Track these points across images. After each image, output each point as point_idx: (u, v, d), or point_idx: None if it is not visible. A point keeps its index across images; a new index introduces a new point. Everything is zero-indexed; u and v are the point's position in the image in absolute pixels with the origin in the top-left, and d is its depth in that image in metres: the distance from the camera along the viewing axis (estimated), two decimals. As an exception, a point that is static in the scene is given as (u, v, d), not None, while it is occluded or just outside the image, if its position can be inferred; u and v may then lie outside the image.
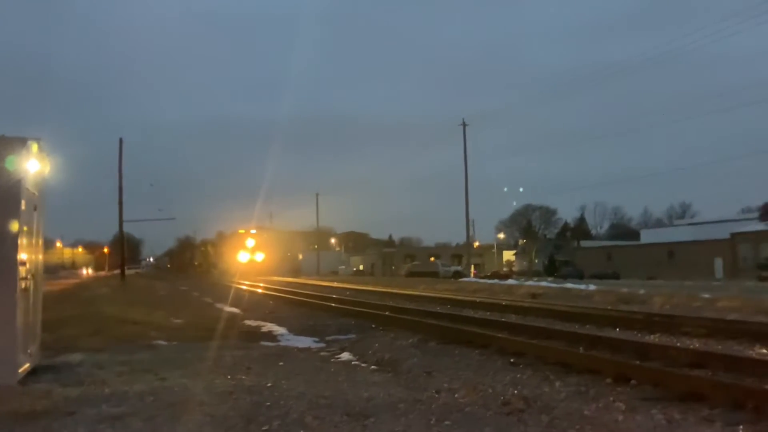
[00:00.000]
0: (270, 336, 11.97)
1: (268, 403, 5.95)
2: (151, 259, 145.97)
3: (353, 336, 11.57)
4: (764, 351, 8.73)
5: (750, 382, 6.32)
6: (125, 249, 51.31)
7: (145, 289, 32.87)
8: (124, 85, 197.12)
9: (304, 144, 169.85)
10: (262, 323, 14.11)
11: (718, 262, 62.08)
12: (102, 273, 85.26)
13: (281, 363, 8.51)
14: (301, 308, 17.97)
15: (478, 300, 19.41)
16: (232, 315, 16.72)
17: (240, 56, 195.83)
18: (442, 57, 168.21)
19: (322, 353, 9.69)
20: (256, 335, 12.03)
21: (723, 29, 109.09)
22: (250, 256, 64.67)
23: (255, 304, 20.19)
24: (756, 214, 65.19)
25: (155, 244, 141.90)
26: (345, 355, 9.45)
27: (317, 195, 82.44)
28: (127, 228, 48.35)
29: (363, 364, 8.61)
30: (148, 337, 11.27)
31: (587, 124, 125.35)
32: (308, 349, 10.19)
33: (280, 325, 13.72)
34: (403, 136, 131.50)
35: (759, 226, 61.37)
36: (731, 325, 11.41)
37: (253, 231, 67.05)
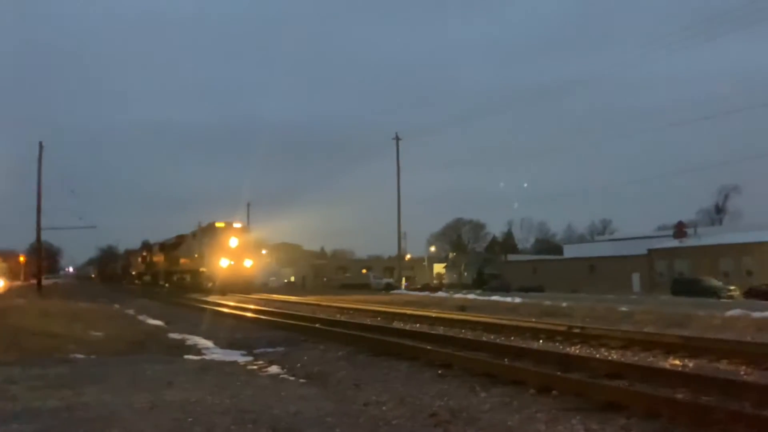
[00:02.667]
0: (195, 349, 11.63)
1: (191, 419, 5.78)
2: (71, 269, 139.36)
3: (282, 349, 11.41)
4: (677, 362, 9.17)
5: (664, 392, 6.62)
6: (43, 257, 48.73)
7: (64, 301, 31.35)
8: (45, 88, 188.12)
9: (236, 152, 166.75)
10: (188, 336, 13.71)
11: (636, 277, 64.99)
12: (17, 283, 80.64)
13: (206, 377, 8.29)
14: (229, 320, 17.57)
15: (408, 312, 19.53)
16: (156, 328, 16.18)
17: (172, 60, 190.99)
18: (378, 71, 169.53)
19: (250, 367, 9.50)
20: (180, 349, 11.67)
21: (644, 54, 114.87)
22: (233, 262, 39.35)
23: (181, 318, 19.60)
24: (671, 232, 68.69)
25: (76, 253, 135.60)
26: (273, 369, 9.29)
27: (248, 204, 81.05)
28: (45, 236, 45.93)
29: (291, 378, 8.49)
30: (65, 350, 10.75)
31: (516, 142, 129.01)
32: (235, 362, 9.97)
33: (206, 338, 13.37)
34: (338, 147, 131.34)
35: (673, 243, 64.72)
36: (647, 336, 11.94)
37: (237, 225, 42.15)
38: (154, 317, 19.73)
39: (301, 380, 8.29)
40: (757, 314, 18.68)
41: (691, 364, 8.95)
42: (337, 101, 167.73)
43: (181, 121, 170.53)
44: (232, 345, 12.20)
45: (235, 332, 14.28)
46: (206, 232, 40.54)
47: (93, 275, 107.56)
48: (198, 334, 13.98)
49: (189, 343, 12.67)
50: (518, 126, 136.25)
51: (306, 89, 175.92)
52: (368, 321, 16.87)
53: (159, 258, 53.49)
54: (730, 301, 35.47)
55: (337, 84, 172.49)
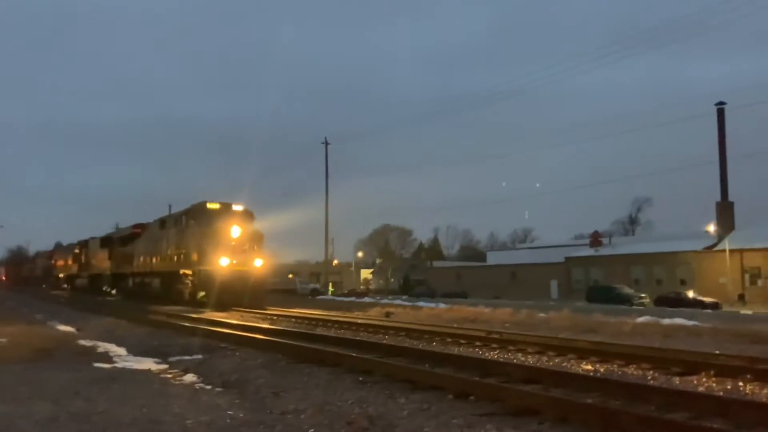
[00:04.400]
0: (106, 357, 11.10)
1: (95, 431, 5.48)
2: None
3: (199, 356, 11.05)
4: (589, 367, 9.50)
5: (576, 396, 6.82)
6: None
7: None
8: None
9: (159, 152, 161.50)
10: (99, 343, 13.09)
11: (554, 284, 67.32)
12: None
13: (115, 386, 7.90)
14: (145, 327, 16.91)
15: (333, 318, 19.42)
16: (65, 334, 15.36)
17: (86, 57, 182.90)
18: (308, 73, 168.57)
19: (164, 375, 9.14)
20: (90, 356, 11.11)
21: (569, 68, 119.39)
22: (236, 262, 25.60)
23: (93, 324, 18.69)
24: (587, 241, 71.58)
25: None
26: (189, 377, 8.98)
27: (170, 207, 78.52)
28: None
29: (207, 386, 8.23)
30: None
31: (444, 149, 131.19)
32: (148, 371, 9.57)
33: (119, 345, 12.80)
34: (265, 150, 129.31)
35: (589, 252, 67.48)
36: (562, 342, 12.32)
37: (238, 207, 27.35)
38: (65, 323, 18.60)
39: (218, 389, 8.05)
40: (665, 321, 19.69)
41: (602, 369, 9.28)
42: (265, 103, 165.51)
43: (93, 119, 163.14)
44: (145, 352, 11.72)
45: (149, 339, 13.74)
46: (192, 218, 26.66)
47: (4, 277, 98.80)
48: (110, 341, 13.37)
49: (100, 350, 12.09)
50: (447, 134, 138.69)
51: (233, 90, 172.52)
52: (291, 327, 16.63)
53: (101, 256, 40.47)
54: (641, 308, 37.29)
55: (264, 86, 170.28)
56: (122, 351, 11.93)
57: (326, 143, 52.04)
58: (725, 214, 59.23)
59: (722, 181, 59.92)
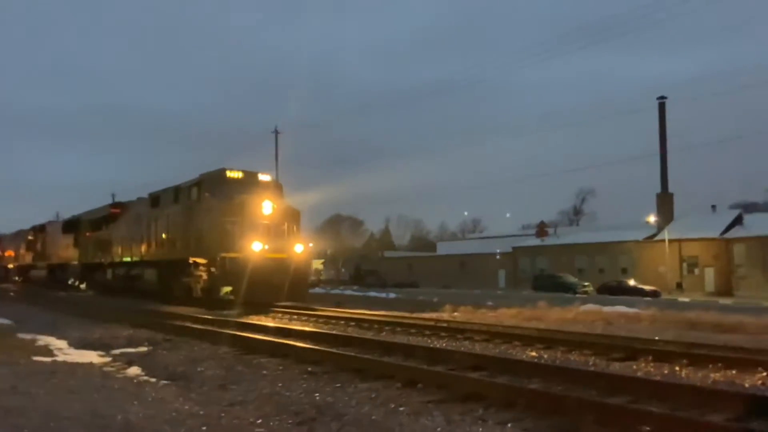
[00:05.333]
0: (45, 350, 10.72)
1: (34, 427, 5.30)
2: None
3: (145, 348, 10.80)
4: (533, 354, 9.73)
5: (520, 382, 6.98)
6: None
7: None
8: None
9: (103, 141, 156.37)
10: (38, 336, 12.63)
11: (502, 273, 68.61)
12: None
13: (54, 381, 7.65)
14: (85, 319, 16.41)
15: (282, 308, 19.30)
16: (1, 327, 14.77)
17: (21, 40, 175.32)
18: (259, 62, 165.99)
19: (106, 368, 8.89)
20: (27, 350, 10.71)
21: (517, 62, 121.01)
22: (268, 246, 19.17)
23: (31, 315, 18.04)
24: (534, 231, 73.13)
25: None
26: (133, 370, 8.76)
27: (113, 196, 76.26)
28: None
29: (152, 379, 8.05)
30: None
31: (395, 140, 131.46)
32: (90, 364, 9.29)
33: (59, 337, 12.38)
34: (216, 139, 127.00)
35: (536, 242, 68.98)
36: (508, 330, 12.58)
37: (265, 177, 21.44)
38: (1, 315, 17.90)
39: (163, 381, 7.88)
40: (606, 308, 20.31)
41: (546, 355, 9.52)
42: (215, 92, 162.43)
43: (35, 105, 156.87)
44: (88, 345, 11.37)
45: (92, 331, 13.35)
46: (207, 190, 20.27)
47: None
48: (50, 333, 12.93)
49: (40, 343, 11.67)
50: (398, 124, 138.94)
51: (182, 79, 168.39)
52: (240, 319, 16.44)
53: (64, 243, 34.16)
54: (584, 296, 38.41)
55: (214, 74, 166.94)
56: (63, 344, 11.53)
57: (276, 132, 51.38)
58: (665, 205, 61.47)
59: (662, 173, 62.12)
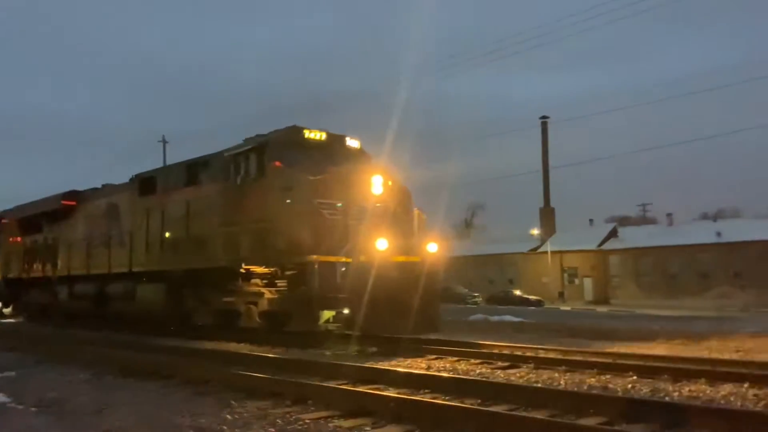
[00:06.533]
0: None
1: None
2: None
3: (12, 373, 9.95)
4: (424, 365, 9.87)
5: (411, 394, 7.04)
6: None
7: None
8: None
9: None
10: None
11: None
12: None
13: None
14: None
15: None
16: None
17: None
18: (149, 68, 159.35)
19: (-33, 397, 8.10)
20: None
21: (413, 77, 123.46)
22: (390, 244, 11.76)
23: None
24: (428, 243, 74.62)
25: None
26: (-2, 397, 8.04)
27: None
28: None
29: (19, 406, 7.42)
30: None
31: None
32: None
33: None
34: (104, 146, 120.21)
35: (430, 254, 70.40)
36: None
37: (354, 143, 14.06)
38: None
39: (32, 408, 7.29)
40: (494, 318, 21.13)
41: (436, 365, 9.69)
42: (104, 97, 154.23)
43: None
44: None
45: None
46: (277, 155, 12.98)
47: None
48: None
49: None
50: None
51: (72, 84, 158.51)
52: (123, 336, 15.54)
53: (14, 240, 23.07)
54: (474, 306, 39.73)
55: (102, 79, 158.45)
56: None
57: (164, 141, 49.33)
58: (547, 218, 65.06)
59: (545, 188, 65.75)
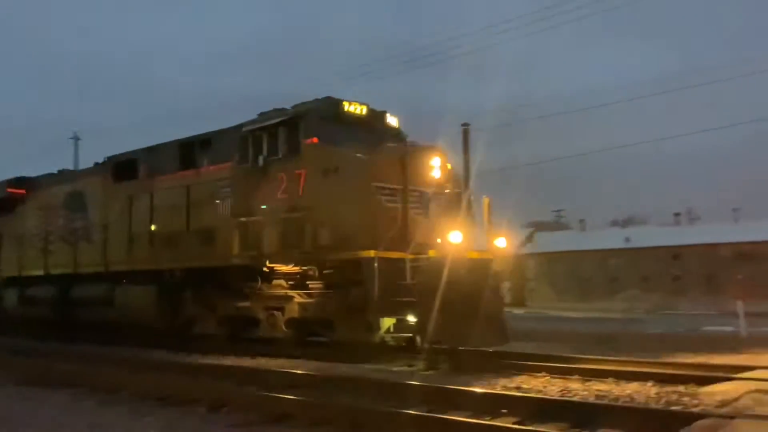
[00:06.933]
0: None
1: None
2: None
3: None
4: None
5: (338, 399, 6.99)
6: None
7: None
8: None
9: None
10: None
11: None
12: None
13: None
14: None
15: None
16: None
17: None
18: (58, 61, 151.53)
19: None
20: None
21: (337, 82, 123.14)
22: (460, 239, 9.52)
23: None
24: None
25: None
26: None
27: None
28: None
29: None
30: None
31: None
32: None
33: None
34: (12, 144, 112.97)
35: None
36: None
37: (393, 120, 11.99)
38: None
39: None
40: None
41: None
42: (11, 92, 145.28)
43: None
44: None
45: None
46: (314, 130, 10.90)
47: None
48: None
49: None
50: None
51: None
52: (31, 343, 14.63)
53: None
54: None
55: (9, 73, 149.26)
56: None
57: (76, 138, 46.85)
58: (469, 223, 66.29)
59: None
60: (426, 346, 9.37)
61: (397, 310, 9.53)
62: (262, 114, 11.78)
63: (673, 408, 6.17)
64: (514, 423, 5.66)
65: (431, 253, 9.53)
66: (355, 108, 11.43)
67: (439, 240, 9.92)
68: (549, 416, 5.83)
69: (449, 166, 11.12)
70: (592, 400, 6.77)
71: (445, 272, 9.11)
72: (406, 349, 10.15)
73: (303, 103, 11.35)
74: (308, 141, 10.85)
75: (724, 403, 6.14)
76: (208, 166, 12.41)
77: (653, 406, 6.41)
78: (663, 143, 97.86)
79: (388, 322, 9.82)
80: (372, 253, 9.56)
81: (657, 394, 7.06)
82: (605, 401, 6.65)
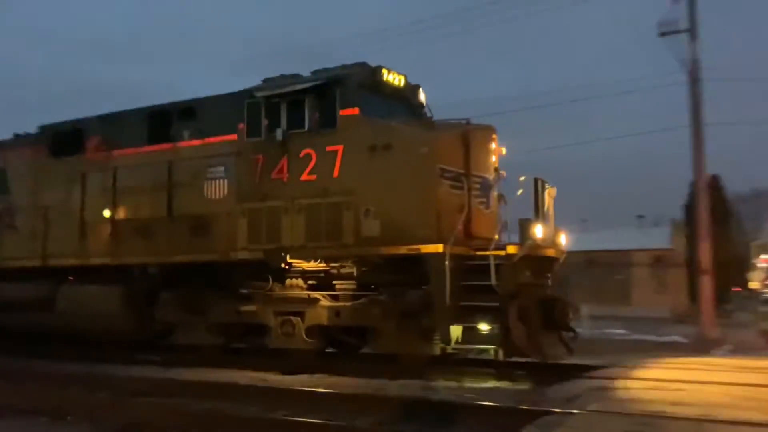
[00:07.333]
0: None
1: None
2: None
3: None
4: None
5: (191, 407, 6.69)
6: None
7: None
8: None
9: None
10: None
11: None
12: None
13: None
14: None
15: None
16: None
17: None
18: None
19: None
20: None
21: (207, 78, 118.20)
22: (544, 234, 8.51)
23: None
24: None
25: None
26: None
27: None
28: None
29: None
30: None
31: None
32: None
33: None
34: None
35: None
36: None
37: (422, 95, 10.24)
38: None
39: None
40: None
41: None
42: None
43: None
44: None
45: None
46: (354, 100, 9.04)
47: None
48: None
49: None
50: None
51: None
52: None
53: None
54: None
55: None
56: None
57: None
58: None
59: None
60: (507, 359, 8.24)
61: (466, 316, 8.07)
62: (267, 80, 9.92)
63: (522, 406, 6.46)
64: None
65: (510, 249, 8.15)
66: (394, 78, 9.78)
67: (498, 234, 8.59)
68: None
69: (503, 150, 9.64)
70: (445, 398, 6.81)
71: (528, 273, 8.20)
72: (470, 362, 9.08)
73: (338, 67, 9.57)
74: (350, 111, 9.01)
75: (568, 400, 6.52)
76: (191, 139, 10.22)
77: (502, 404, 6.65)
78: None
79: (456, 331, 8.17)
80: (440, 247, 8.00)
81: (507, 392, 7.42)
82: (457, 399, 6.82)
